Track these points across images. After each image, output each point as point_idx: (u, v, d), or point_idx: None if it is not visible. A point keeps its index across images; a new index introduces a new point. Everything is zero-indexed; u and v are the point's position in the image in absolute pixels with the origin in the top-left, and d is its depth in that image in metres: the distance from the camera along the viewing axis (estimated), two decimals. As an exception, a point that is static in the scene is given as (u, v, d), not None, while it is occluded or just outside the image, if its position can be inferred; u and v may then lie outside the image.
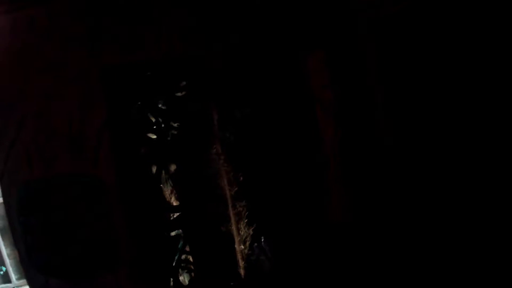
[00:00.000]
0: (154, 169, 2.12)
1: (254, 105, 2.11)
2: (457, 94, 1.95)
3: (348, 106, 2.11)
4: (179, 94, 2.10)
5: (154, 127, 2.07)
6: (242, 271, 2.17)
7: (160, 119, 2.08)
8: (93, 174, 1.87)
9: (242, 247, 2.17)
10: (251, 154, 2.14)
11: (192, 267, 2.15)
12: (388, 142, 2.13)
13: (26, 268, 1.99)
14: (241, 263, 2.17)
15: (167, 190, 2.13)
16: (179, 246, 2.12)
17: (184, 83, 2.07)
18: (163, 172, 2.10)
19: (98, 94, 1.89)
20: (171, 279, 2.04)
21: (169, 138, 2.09)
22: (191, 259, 2.17)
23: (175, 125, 2.11)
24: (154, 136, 2.09)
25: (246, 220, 2.16)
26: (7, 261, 5.44)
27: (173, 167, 2.14)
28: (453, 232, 2.04)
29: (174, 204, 2.16)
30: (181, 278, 2.16)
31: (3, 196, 2.02)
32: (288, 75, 2.13)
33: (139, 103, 2.03)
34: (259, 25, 2.05)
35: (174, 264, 2.08)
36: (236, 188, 2.14)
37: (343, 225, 2.13)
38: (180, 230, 2.14)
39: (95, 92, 1.88)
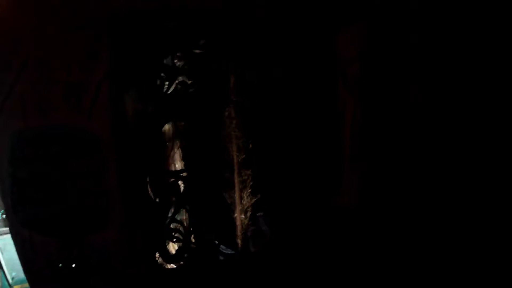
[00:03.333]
0: (155, 128, 1.98)
1: (273, 72, 2.00)
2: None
3: (374, 83, 1.96)
4: (196, 51, 1.98)
5: (160, 82, 1.97)
6: (239, 242, 2.06)
7: (168, 75, 1.98)
8: (88, 127, 1.77)
9: (243, 216, 2.06)
10: (264, 123, 2.04)
11: (181, 237, 2.04)
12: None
13: (10, 221, 1.89)
14: (240, 233, 2.06)
15: (172, 149, 2.02)
16: (171, 212, 2.00)
17: (202, 41, 1.96)
18: (173, 130, 1.99)
19: (103, 43, 1.78)
20: (159, 246, 1.93)
21: (178, 95, 1.98)
22: (181, 228, 2.06)
23: (189, 82, 2.00)
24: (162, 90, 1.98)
25: (250, 190, 2.04)
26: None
27: (180, 124, 2.05)
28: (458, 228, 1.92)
29: (178, 164, 2.06)
30: (169, 247, 2.05)
31: (-6, 146, 1.93)
32: (314, 47, 2.00)
33: (147, 55, 1.89)
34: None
35: (162, 233, 1.96)
36: (243, 155, 2.05)
37: (349, 209, 2.00)
38: (173, 198, 2.05)
39: (100, 40, 1.78)
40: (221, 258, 2.12)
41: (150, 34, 1.88)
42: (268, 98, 2.07)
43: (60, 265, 1.77)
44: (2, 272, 3.76)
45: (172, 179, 2.06)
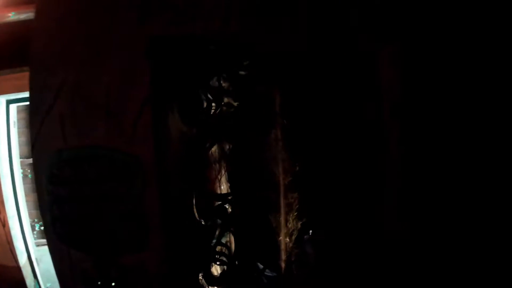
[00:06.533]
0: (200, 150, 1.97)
1: (319, 94, 1.99)
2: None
3: (419, 106, 1.87)
4: (241, 72, 1.99)
5: (205, 105, 1.96)
6: (283, 265, 2.06)
7: (213, 97, 1.96)
8: (129, 150, 1.77)
9: (288, 240, 2.07)
10: (310, 145, 2.04)
11: (226, 260, 2.04)
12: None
13: (49, 236, 1.93)
14: (283, 257, 2.07)
15: (219, 171, 2.06)
16: (215, 236, 2.01)
17: (247, 62, 1.96)
18: (219, 152, 2.04)
19: (142, 66, 1.78)
20: (202, 270, 1.96)
21: (224, 116, 1.99)
22: (225, 250, 2.07)
23: (235, 104, 2.02)
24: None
25: (296, 214, 2.06)
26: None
27: (227, 147, 2.07)
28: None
29: (223, 186, 2.07)
30: (212, 269, 2.07)
31: (33, 163, 1.96)
32: (356, 67, 1.96)
33: (189, 79, 1.88)
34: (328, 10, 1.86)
35: (207, 255, 1.98)
36: (290, 178, 2.06)
37: (395, 234, 1.94)
38: (218, 220, 2.04)
39: (139, 63, 1.77)
40: (265, 281, 2.13)
41: (189, 57, 1.86)
42: (313, 119, 2.09)
43: (99, 283, 1.80)
44: (37, 282, 3.83)
45: (218, 202, 2.07)
